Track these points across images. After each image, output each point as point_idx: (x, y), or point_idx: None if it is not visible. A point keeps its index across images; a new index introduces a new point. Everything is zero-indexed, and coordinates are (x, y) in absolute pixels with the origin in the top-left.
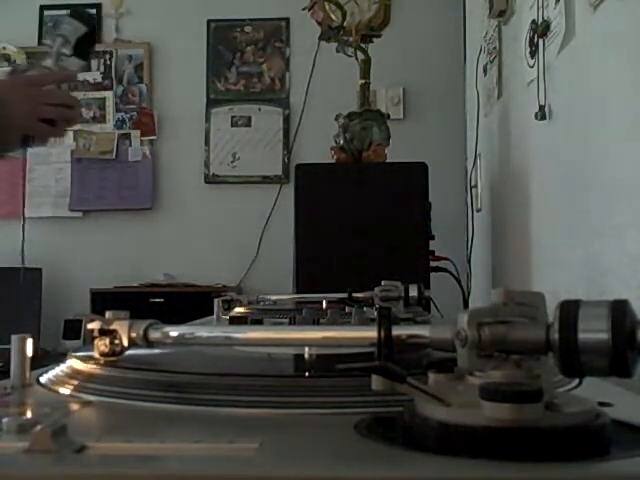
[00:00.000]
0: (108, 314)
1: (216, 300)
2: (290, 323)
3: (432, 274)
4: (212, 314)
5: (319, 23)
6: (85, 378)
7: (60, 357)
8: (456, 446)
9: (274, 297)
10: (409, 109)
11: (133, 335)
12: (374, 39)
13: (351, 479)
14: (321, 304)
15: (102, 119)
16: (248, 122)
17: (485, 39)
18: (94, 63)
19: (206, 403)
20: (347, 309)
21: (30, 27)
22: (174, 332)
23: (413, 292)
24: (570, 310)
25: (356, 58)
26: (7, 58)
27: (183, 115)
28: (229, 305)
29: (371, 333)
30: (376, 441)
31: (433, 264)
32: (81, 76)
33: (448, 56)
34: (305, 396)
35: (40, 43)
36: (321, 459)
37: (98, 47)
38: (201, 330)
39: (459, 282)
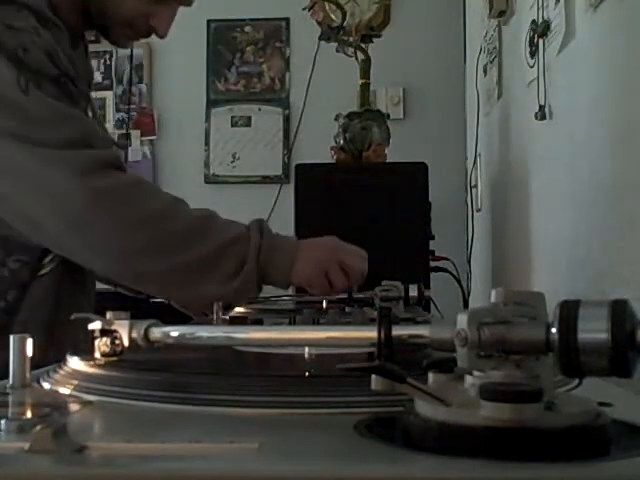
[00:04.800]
0: (109, 315)
1: None
2: (290, 323)
3: (432, 274)
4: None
5: (319, 23)
6: (85, 378)
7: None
8: (456, 446)
9: (274, 297)
10: (409, 109)
11: (134, 335)
12: (374, 39)
13: (351, 479)
14: (321, 304)
15: (102, 119)
16: (248, 122)
17: (485, 39)
18: (94, 63)
19: (206, 403)
20: (347, 309)
21: None
22: (174, 332)
23: (413, 292)
24: (570, 310)
25: (356, 58)
26: None
27: (183, 115)
28: (229, 305)
29: (371, 333)
30: (376, 441)
31: (433, 264)
32: None
33: (448, 56)
34: (305, 396)
35: None
36: (321, 459)
37: (98, 47)
38: (201, 330)
39: (459, 282)
